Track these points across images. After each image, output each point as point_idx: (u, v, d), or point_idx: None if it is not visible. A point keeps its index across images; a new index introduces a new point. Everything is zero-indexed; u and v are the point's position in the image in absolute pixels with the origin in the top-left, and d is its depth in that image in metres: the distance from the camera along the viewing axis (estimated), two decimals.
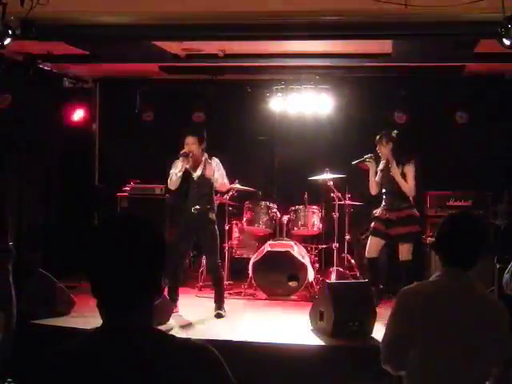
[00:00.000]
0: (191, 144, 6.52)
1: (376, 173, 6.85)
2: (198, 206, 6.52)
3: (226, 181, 6.73)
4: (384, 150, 6.76)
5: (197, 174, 6.57)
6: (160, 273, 1.70)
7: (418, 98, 8.17)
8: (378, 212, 6.90)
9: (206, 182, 6.57)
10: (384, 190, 6.86)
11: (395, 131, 6.86)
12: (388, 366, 2.73)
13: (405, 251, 6.68)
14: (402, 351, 2.65)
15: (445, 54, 6.95)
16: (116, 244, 1.65)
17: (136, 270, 1.63)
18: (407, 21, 5.36)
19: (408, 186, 6.67)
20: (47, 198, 8.42)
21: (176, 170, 6.48)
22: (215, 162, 6.67)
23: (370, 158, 6.84)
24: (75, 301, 6.35)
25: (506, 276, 3.88)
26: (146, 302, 1.68)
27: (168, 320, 6.06)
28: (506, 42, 4.86)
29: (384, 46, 6.65)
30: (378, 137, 6.79)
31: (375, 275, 6.88)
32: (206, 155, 6.62)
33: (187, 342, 1.68)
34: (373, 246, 6.86)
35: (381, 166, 6.84)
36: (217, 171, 6.61)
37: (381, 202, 6.91)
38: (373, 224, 6.91)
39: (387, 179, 6.79)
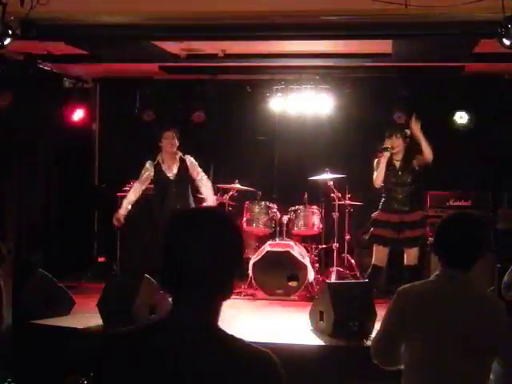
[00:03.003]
0: (171, 138, 6.46)
1: (387, 164, 6.41)
2: (178, 206, 6.34)
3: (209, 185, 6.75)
4: (399, 142, 6.40)
5: (173, 172, 6.48)
6: (234, 272, 1.65)
7: (418, 98, 8.16)
8: (378, 215, 6.54)
9: (183, 180, 6.49)
10: (388, 189, 6.47)
11: (407, 130, 6.53)
12: (376, 360, 2.81)
13: (411, 256, 6.38)
14: (391, 349, 2.72)
15: (445, 54, 6.95)
16: (196, 238, 1.60)
17: (213, 267, 1.59)
18: (407, 21, 5.36)
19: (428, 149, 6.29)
20: (47, 198, 8.42)
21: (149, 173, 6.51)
22: (189, 160, 6.58)
23: (390, 149, 6.40)
24: (75, 301, 6.35)
25: (505, 279, 3.86)
26: (215, 301, 1.64)
27: None
28: (506, 41, 4.87)
29: (384, 46, 6.65)
30: (390, 131, 6.46)
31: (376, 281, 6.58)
32: (179, 153, 6.56)
33: (249, 348, 1.62)
34: (380, 254, 6.47)
35: (387, 158, 6.40)
36: (197, 171, 6.57)
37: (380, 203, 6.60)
38: (374, 230, 6.54)
39: (396, 176, 6.42)
